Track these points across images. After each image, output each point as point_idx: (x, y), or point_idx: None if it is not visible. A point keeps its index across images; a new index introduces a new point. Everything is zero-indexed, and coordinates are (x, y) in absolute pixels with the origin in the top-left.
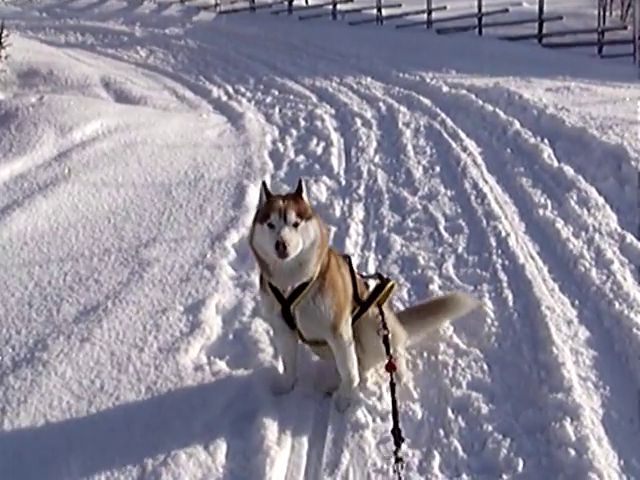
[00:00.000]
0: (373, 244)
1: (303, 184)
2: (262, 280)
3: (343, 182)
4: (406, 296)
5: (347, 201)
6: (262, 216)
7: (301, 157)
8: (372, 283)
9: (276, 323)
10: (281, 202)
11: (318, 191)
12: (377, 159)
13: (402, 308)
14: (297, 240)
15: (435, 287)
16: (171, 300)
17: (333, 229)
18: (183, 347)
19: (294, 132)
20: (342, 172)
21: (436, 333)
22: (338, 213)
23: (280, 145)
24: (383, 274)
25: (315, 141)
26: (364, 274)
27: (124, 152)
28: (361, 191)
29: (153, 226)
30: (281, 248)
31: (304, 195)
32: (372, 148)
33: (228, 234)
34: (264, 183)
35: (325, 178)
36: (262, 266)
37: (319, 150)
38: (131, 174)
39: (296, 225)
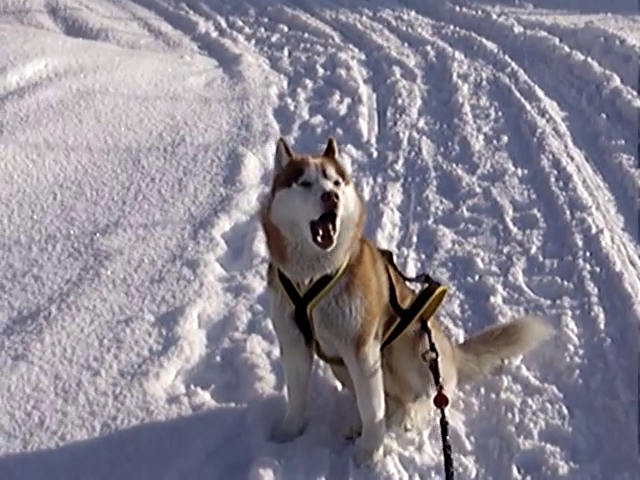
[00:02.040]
0: (414, 239)
1: (335, 145)
2: (271, 271)
3: (375, 154)
4: (457, 311)
5: (380, 179)
6: (290, 175)
7: (318, 118)
8: (411, 288)
9: (286, 331)
10: (313, 159)
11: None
12: (422, 123)
13: (452, 327)
14: (343, 200)
15: (498, 300)
16: (138, 307)
17: None
18: (153, 371)
19: (309, 83)
20: (373, 140)
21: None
22: (367, 195)
23: (289, 101)
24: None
25: (337, 97)
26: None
27: (77, 104)
28: (399, 166)
29: (115, 206)
30: (332, 198)
31: (337, 156)
32: (415, 108)
33: (217, 220)
34: (282, 140)
35: (350, 148)
36: (275, 248)
37: (343, 109)
38: (86, 134)
39: (337, 184)
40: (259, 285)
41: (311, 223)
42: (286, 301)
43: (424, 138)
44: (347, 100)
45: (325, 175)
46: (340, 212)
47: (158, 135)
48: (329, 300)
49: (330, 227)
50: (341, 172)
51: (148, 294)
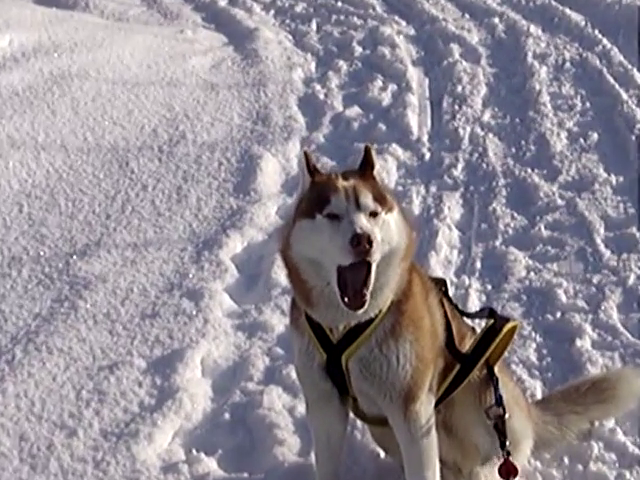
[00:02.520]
0: (477, 265)
1: (373, 154)
2: (294, 308)
3: (427, 155)
4: (533, 357)
5: (434, 188)
6: (313, 202)
7: (354, 110)
8: (470, 326)
9: (315, 384)
10: (344, 181)
11: (382, 170)
12: (487, 117)
13: (526, 378)
14: (380, 237)
15: (586, 344)
16: (125, 349)
17: None
18: (144, 431)
19: (343, 66)
20: (425, 138)
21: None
22: (417, 208)
23: (318, 88)
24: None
25: (379, 82)
26: (461, 309)
27: (49, 91)
28: (458, 172)
29: (96, 221)
30: (364, 243)
31: (377, 171)
32: (479, 97)
33: (225, 239)
34: (306, 153)
35: (395, 148)
36: (299, 289)
37: (386, 98)
38: (60, 130)
39: (374, 215)
40: (279, 322)
41: (338, 270)
42: (315, 348)
43: (490, 135)
44: (392, 87)
45: (358, 205)
46: (376, 258)
47: (152, 131)
48: (370, 347)
49: (362, 283)
50: (380, 196)
51: (138, 333)
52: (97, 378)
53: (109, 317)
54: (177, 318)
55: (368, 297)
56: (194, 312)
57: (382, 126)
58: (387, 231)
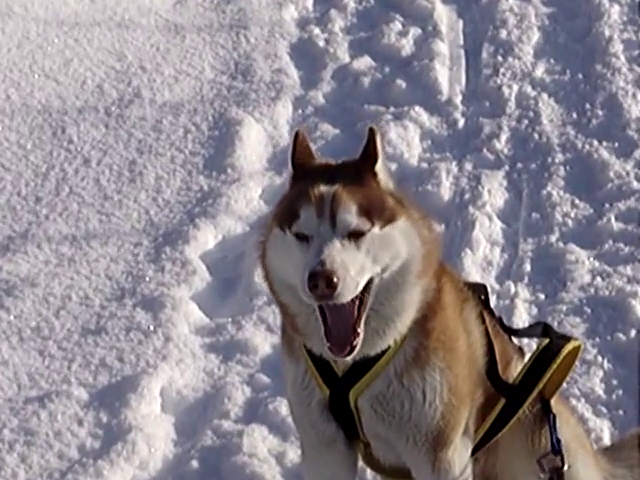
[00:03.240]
0: (527, 267)
1: (378, 141)
2: (287, 331)
3: (461, 122)
4: (600, 389)
5: (469, 165)
6: (287, 214)
7: (365, 61)
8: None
9: (314, 426)
10: (325, 184)
11: (401, 140)
12: (540, 71)
13: (590, 417)
14: (358, 268)
15: None
16: (61, 375)
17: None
18: None
19: (349, 2)
20: (459, 99)
21: None
22: (447, 194)
23: (317, 32)
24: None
25: (398, 24)
26: (507, 324)
27: None
28: (502, 144)
29: (22, 207)
30: (321, 286)
31: (380, 165)
32: (530, 46)
33: (193, 231)
34: (298, 135)
35: (419, 111)
36: (283, 312)
37: (407, 46)
38: None
39: (357, 235)
40: (264, 341)
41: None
42: (314, 381)
43: (544, 96)
44: (414, 31)
45: (334, 223)
46: (346, 298)
47: (96, 87)
48: (387, 379)
49: (350, 325)
50: (372, 206)
51: (78, 354)
52: (23, 413)
53: (39, 333)
54: (129, 335)
55: (359, 341)
56: (152, 327)
57: (401, 83)
58: (385, 250)
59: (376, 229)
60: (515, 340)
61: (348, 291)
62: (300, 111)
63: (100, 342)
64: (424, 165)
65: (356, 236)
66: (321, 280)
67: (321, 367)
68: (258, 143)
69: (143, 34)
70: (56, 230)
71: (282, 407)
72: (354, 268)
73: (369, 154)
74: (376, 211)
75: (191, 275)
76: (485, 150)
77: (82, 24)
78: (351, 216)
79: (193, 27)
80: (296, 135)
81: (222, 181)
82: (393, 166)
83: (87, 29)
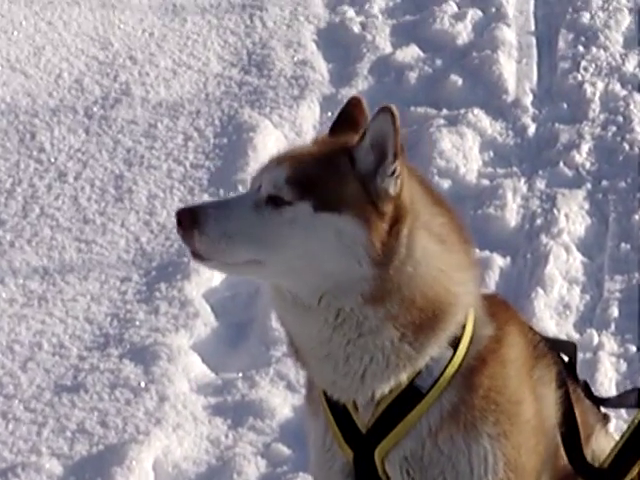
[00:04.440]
0: (614, 311)
1: (361, 108)
2: (310, 383)
3: (531, 128)
4: None
5: (541, 183)
6: None
7: (410, 51)
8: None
9: None
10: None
11: (456, 152)
12: (632, 65)
13: None
14: (245, 233)
15: None
16: (29, 443)
17: (498, 260)
18: None
19: None
20: (529, 99)
21: None
22: (513, 218)
23: (351, 14)
24: None
25: (453, 6)
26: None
27: None
28: (583, 156)
29: None
30: (183, 225)
31: (365, 150)
32: (619, 34)
33: (194, 263)
34: (354, 99)
35: (478, 114)
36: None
37: (464, 33)
38: None
39: (276, 204)
40: (284, 402)
41: None
42: (335, 440)
43: (637, 96)
44: (473, 14)
45: (260, 184)
46: (210, 256)
47: (74, 82)
48: (420, 438)
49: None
50: (317, 184)
51: (50, 417)
52: None
53: (2, 390)
54: (114, 393)
55: (205, 250)
56: (143, 383)
57: (456, 79)
58: (314, 240)
59: (304, 206)
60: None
61: (212, 249)
62: (329, 114)
63: (78, 402)
64: (485, 182)
65: (275, 204)
66: (182, 216)
67: (343, 423)
68: (275, 151)
69: (133, 16)
70: (23, 261)
71: None
72: (235, 230)
73: (344, 118)
74: (316, 189)
75: (192, 319)
76: (562, 164)
77: (57, 3)
78: (275, 178)
79: (196, 7)
80: (350, 100)
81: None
82: (445, 184)
83: (63, 9)
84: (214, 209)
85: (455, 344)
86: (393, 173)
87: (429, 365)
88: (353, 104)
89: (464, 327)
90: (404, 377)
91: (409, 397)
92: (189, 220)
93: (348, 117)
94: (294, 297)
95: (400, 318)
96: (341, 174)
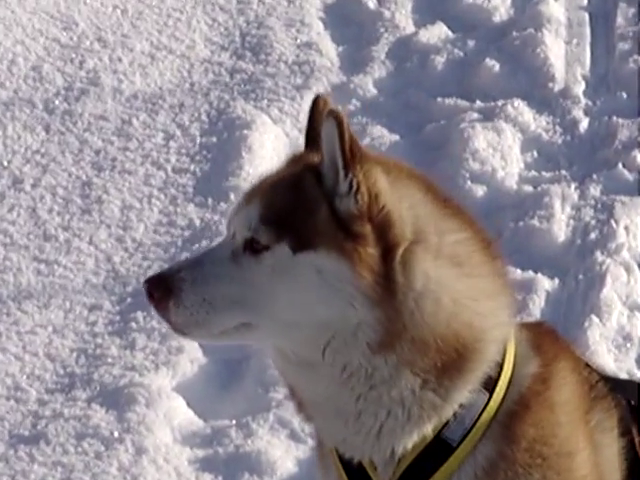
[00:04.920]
0: None
1: (336, 117)
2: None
3: (583, 122)
4: None
5: (595, 189)
6: None
7: (436, 30)
8: None
9: None
10: (259, 180)
11: (492, 152)
12: None
13: None
14: (226, 295)
15: None
16: None
17: (544, 282)
18: None
19: None
20: (580, 88)
21: None
22: (562, 232)
23: None
24: None
25: None
26: None
27: None
28: None
29: None
30: (154, 297)
31: (328, 163)
32: None
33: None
34: (318, 101)
35: (519, 106)
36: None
37: (501, 9)
38: None
39: (255, 250)
40: (285, 454)
41: None
42: None
43: None
44: None
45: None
46: (185, 329)
47: (31, 69)
48: None
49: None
50: (290, 218)
51: (3, 475)
52: None
53: None
54: (81, 445)
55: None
56: (116, 433)
57: (493, 64)
58: (293, 286)
59: (282, 248)
60: None
61: (192, 321)
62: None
63: (38, 455)
64: (527, 189)
65: (253, 250)
66: (152, 287)
67: (356, 477)
68: (276, 154)
69: None
70: None
71: None
72: (215, 293)
73: (309, 143)
74: (291, 224)
75: (175, 354)
76: (620, 166)
77: None
78: (248, 219)
79: None
80: (314, 103)
81: (221, 212)
82: (480, 190)
83: None
84: (188, 271)
85: (491, 387)
86: (350, 188)
87: (459, 413)
88: (318, 108)
89: (502, 366)
90: (429, 429)
91: (436, 452)
92: (161, 290)
93: (316, 125)
94: (296, 355)
95: (418, 362)
96: (309, 200)
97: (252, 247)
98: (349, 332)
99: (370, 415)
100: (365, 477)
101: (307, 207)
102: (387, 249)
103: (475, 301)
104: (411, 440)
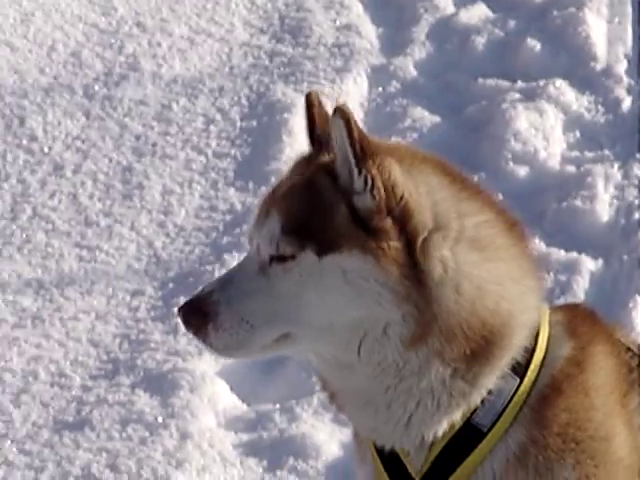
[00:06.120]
0: None
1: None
2: None
3: (625, 102)
4: None
5: (639, 170)
6: None
7: (477, 10)
8: None
9: None
10: (275, 185)
11: (535, 132)
12: None
13: None
14: (261, 311)
15: None
16: None
17: (588, 263)
18: None
19: None
20: (622, 66)
21: None
22: (606, 212)
23: None
24: None
25: None
26: None
27: None
28: None
29: None
30: (192, 324)
31: (342, 161)
32: None
33: (220, 271)
34: (311, 96)
35: (561, 86)
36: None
37: None
38: None
39: (281, 260)
40: (329, 438)
41: None
42: None
43: None
44: None
45: (253, 239)
46: (218, 349)
47: (70, 55)
48: None
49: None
50: (311, 223)
51: (49, 461)
52: None
53: None
54: (126, 430)
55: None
56: (160, 418)
57: (534, 44)
58: (322, 289)
59: (308, 255)
60: None
61: (234, 341)
62: (380, 89)
63: (82, 441)
64: (570, 169)
65: (280, 260)
66: (187, 314)
67: (393, 470)
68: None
69: None
70: (13, 273)
71: None
72: (252, 310)
73: (316, 141)
74: (313, 229)
75: (200, 379)
76: None
77: None
78: (270, 235)
79: None
80: (307, 101)
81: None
82: (522, 171)
83: None
84: (220, 292)
85: (521, 371)
86: (366, 185)
87: (489, 399)
88: (312, 105)
89: (533, 350)
90: (457, 417)
91: (468, 438)
92: (198, 316)
93: (316, 122)
94: (335, 358)
95: (448, 352)
96: (326, 202)
97: (279, 258)
98: (379, 330)
99: (400, 405)
100: (400, 464)
101: (325, 210)
102: (410, 240)
103: (500, 285)
104: (441, 428)
